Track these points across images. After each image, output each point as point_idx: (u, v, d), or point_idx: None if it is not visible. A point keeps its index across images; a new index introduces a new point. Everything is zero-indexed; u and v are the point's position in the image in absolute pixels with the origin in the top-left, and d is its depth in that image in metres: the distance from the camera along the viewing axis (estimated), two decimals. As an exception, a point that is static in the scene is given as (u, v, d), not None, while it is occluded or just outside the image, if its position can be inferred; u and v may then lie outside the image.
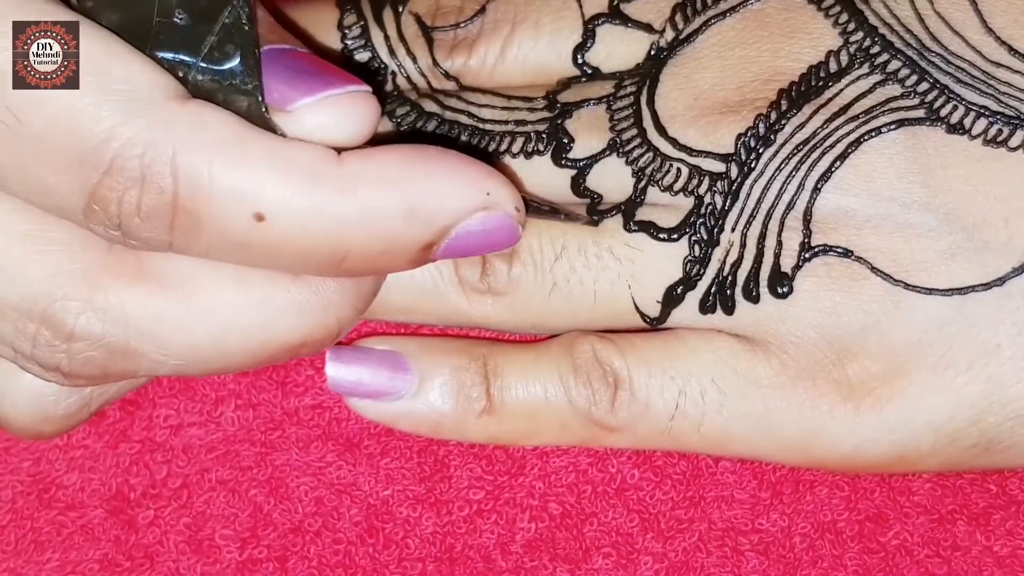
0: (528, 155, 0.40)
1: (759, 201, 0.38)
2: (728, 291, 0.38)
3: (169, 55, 0.32)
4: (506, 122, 0.40)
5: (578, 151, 0.39)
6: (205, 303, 0.33)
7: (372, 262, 0.33)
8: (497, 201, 0.33)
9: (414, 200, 0.32)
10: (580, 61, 0.41)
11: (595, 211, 0.39)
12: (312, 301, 0.34)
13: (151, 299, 0.33)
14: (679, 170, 0.38)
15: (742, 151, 0.38)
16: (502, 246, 0.34)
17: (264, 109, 0.32)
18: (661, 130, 0.39)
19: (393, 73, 0.41)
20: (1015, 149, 0.37)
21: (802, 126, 0.38)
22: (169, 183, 0.31)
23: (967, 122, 0.37)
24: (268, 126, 0.32)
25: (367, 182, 0.32)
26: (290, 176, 0.31)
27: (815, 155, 0.38)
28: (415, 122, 0.40)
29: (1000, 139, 0.37)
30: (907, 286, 0.37)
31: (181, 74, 0.32)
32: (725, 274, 0.38)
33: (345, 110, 0.32)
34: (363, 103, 0.32)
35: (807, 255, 0.38)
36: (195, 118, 0.31)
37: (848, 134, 0.38)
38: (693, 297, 0.39)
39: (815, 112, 0.38)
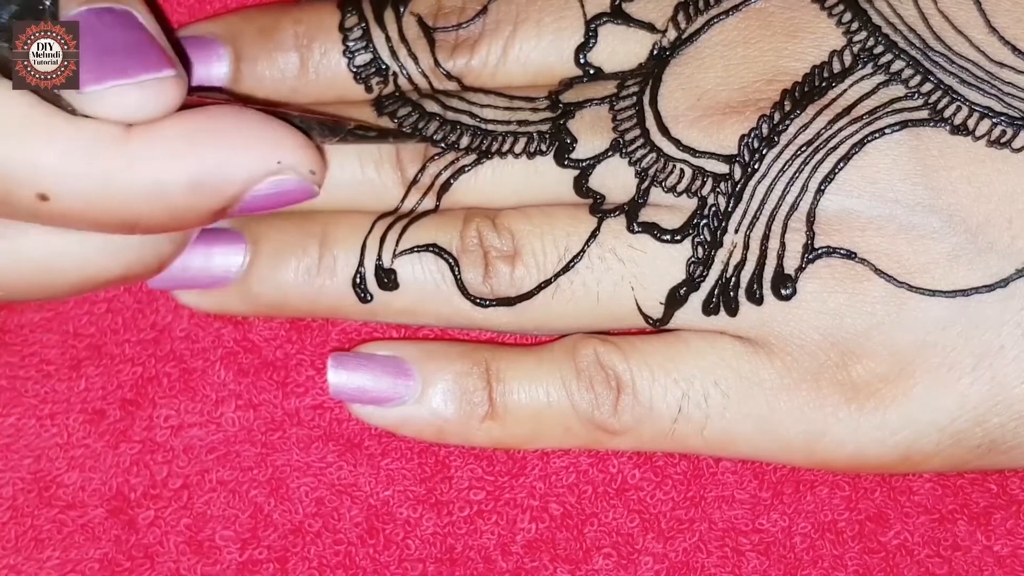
0: (531, 155, 0.39)
1: (762, 202, 0.38)
2: (731, 292, 0.38)
3: None
4: (508, 122, 0.40)
5: (581, 151, 0.39)
6: (28, 243, 0.35)
7: (167, 226, 0.35)
8: (289, 166, 0.35)
9: (199, 173, 0.34)
10: (582, 61, 0.40)
11: (599, 211, 0.39)
12: (129, 241, 0.35)
13: None
14: (682, 171, 0.38)
15: (745, 152, 0.38)
16: (300, 201, 0.36)
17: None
18: (664, 130, 0.39)
19: (395, 74, 0.41)
20: (1019, 150, 0.37)
21: (805, 127, 0.38)
22: None
23: (971, 123, 0.37)
24: (58, 103, 0.33)
25: (151, 157, 0.33)
26: (71, 157, 0.33)
27: (818, 156, 0.38)
28: (417, 123, 0.40)
29: (1004, 140, 0.37)
30: (910, 288, 0.37)
31: None
32: (728, 275, 0.38)
33: (136, 97, 0.33)
34: (158, 90, 0.33)
35: (810, 257, 0.38)
36: None
37: (852, 135, 0.38)
38: (696, 298, 0.38)
39: (819, 113, 0.38)
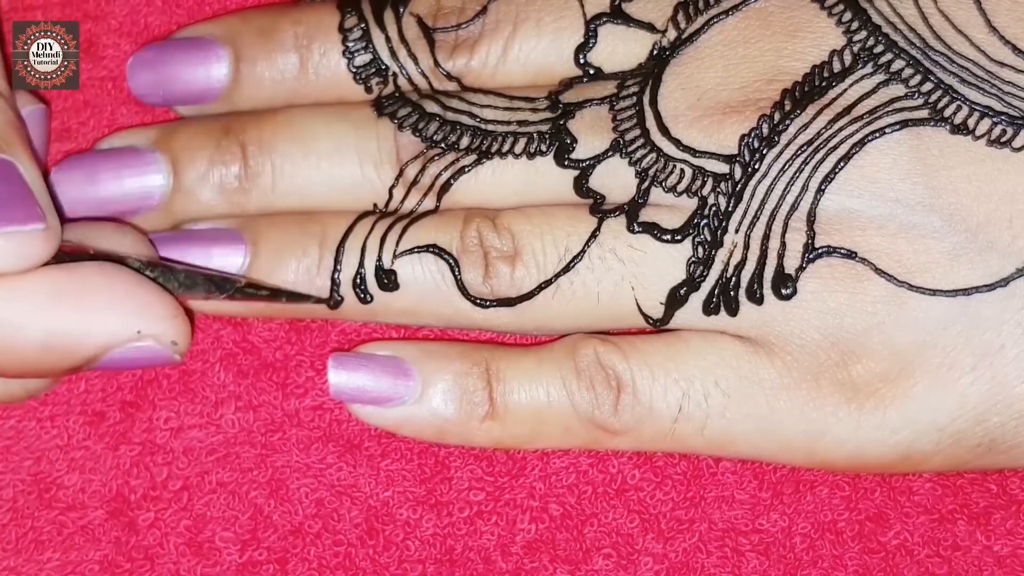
0: (531, 156, 0.39)
1: (763, 202, 0.38)
2: (732, 292, 0.38)
3: None
4: (508, 123, 0.40)
5: (581, 152, 0.39)
6: None
7: (20, 375, 0.35)
8: (150, 335, 0.35)
9: (53, 333, 0.34)
10: (582, 61, 0.40)
11: (599, 211, 0.39)
12: None
13: None
14: (682, 171, 0.38)
15: (745, 152, 0.38)
16: (159, 366, 0.37)
17: None
18: (664, 130, 0.39)
19: (395, 74, 0.41)
20: (1019, 149, 0.37)
21: (806, 127, 0.38)
22: None
23: (971, 122, 0.37)
24: None
25: (6, 311, 0.33)
26: None
27: (819, 156, 0.38)
28: (417, 123, 0.40)
29: (1004, 139, 0.37)
30: (911, 287, 0.37)
31: None
32: (729, 275, 0.38)
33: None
34: (22, 243, 0.33)
35: (811, 256, 0.38)
36: None
37: (852, 135, 0.38)
38: (696, 298, 0.38)
39: (819, 112, 0.38)
